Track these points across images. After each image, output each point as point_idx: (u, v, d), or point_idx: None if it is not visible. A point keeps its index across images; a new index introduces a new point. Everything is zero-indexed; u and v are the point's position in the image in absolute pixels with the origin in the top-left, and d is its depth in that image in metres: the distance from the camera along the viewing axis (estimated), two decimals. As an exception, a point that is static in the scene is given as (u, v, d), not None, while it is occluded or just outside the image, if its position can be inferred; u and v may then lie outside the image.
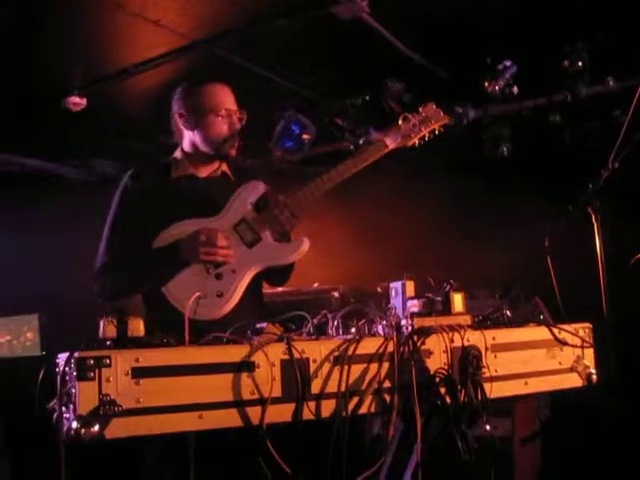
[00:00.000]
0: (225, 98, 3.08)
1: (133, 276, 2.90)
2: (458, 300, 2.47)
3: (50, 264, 6.45)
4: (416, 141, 3.29)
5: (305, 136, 6.23)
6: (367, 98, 5.63)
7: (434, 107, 3.32)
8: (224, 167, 3.17)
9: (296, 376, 2.07)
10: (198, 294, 2.60)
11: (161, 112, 5.19)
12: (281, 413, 2.05)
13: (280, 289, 5.41)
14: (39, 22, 4.37)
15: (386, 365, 2.21)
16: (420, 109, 3.30)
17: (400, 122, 3.26)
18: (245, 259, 2.90)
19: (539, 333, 2.57)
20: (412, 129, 3.25)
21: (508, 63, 5.14)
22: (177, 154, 3.16)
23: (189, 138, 3.11)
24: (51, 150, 6.56)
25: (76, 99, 5.40)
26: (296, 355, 2.08)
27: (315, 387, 2.11)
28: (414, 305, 2.42)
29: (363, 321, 2.41)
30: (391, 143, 3.20)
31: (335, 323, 2.40)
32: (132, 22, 4.45)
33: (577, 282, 5.33)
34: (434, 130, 3.30)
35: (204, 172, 3.13)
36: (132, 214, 2.98)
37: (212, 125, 3.04)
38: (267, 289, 5.46)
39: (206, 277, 2.84)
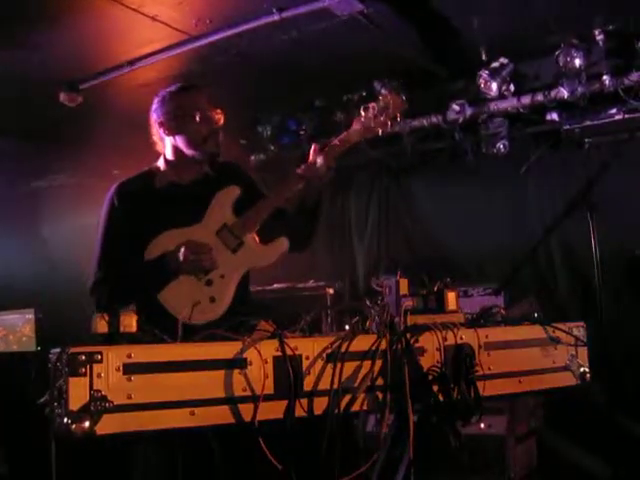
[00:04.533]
0: (199, 101, 3.14)
1: (126, 288, 2.96)
2: (452, 298, 2.46)
3: (47, 260, 6.48)
4: (379, 130, 3.16)
5: (301, 132, 6.26)
6: (364, 94, 5.64)
7: (393, 94, 3.21)
8: (207, 169, 3.22)
9: (288, 373, 2.05)
10: (195, 302, 2.76)
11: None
12: (273, 410, 2.04)
13: (275, 285, 5.43)
14: (36, 18, 4.37)
15: (379, 362, 2.19)
16: (380, 97, 3.19)
17: (362, 112, 3.16)
18: (231, 264, 2.99)
19: (533, 332, 2.56)
20: (374, 119, 3.13)
21: (505, 61, 5.15)
22: (160, 163, 3.24)
23: (171, 144, 3.18)
24: (47, 142, 6.56)
25: (72, 95, 5.40)
26: (289, 352, 2.07)
27: (308, 384, 2.09)
28: (408, 302, 2.42)
29: (356, 318, 2.41)
30: (354, 137, 3.14)
31: (329, 320, 2.40)
32: (129, 17, 4.45)
33: (574, 281, 5.37)
34: (396, 117, 3.18)
35: (187, 178, 3.19)
36: (120, 230, 3.07)
37: (190, 128, 3.11)
38: (263, 285, 5.51)
39: (197, 284, 2.94)
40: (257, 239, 3.07)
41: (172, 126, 3.14)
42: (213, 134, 3.13)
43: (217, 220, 3.06)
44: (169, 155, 3.20)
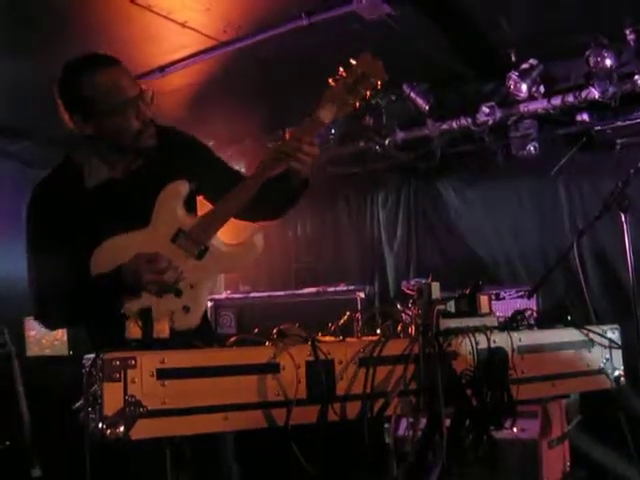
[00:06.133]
0: (124, 85, 2.58)
1: (80, 305, 2.57)
2: (484, 301, 2.45)
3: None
4: (357, 104, 2.64)
5: (331, 136, 6.25)
6: (393, 98, 5.63)
7: (369, 57, 2.67)
8: (150, 151, 2.66)
9: (321, 378, 2.05)
10: (169, 314, 2.41)
11: (189, 114, 5.26)
12: (306, 414, 2.04)
13: (306, 289, 5.43)
14: (66, 24, 4.41)
15: (412, 367, 2.19)
16: (354, 63, 2.65)
17: (333, 84, 2.64)
18: (199, 272, 2.54)
19: (567, 335, 2.54)
20: (349, 92, 2.62)
21: (534, 62, 5.11)
22: (84, 153, 2.69)
23: (96, 134, 2.61)
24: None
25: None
26: (321, 356, 2.07)
27: (340, 388, 2.10)
28: (440, 306, 2.41)
29: (388, 322, 2.40)
30: (326, 116, 2.61)
31: (360, 324, 2.40)
32: (159, 24, 4.48)
33: (607, 283, 5.30)
34: (375, 87, 2.64)
35: (121, 169, 2.66)
36: (51, 235, 2.59)
37: (118, 126, 2.55)
38: (293, 289, 5.52)
39: (165, 297, 2.49)
40: (225, 242, 2.61)
41: (92, 125, 2.57)
42: (145, 126, 2.59)
43: (168, 224, 2.55)
44: (95, 145, 2.65)
